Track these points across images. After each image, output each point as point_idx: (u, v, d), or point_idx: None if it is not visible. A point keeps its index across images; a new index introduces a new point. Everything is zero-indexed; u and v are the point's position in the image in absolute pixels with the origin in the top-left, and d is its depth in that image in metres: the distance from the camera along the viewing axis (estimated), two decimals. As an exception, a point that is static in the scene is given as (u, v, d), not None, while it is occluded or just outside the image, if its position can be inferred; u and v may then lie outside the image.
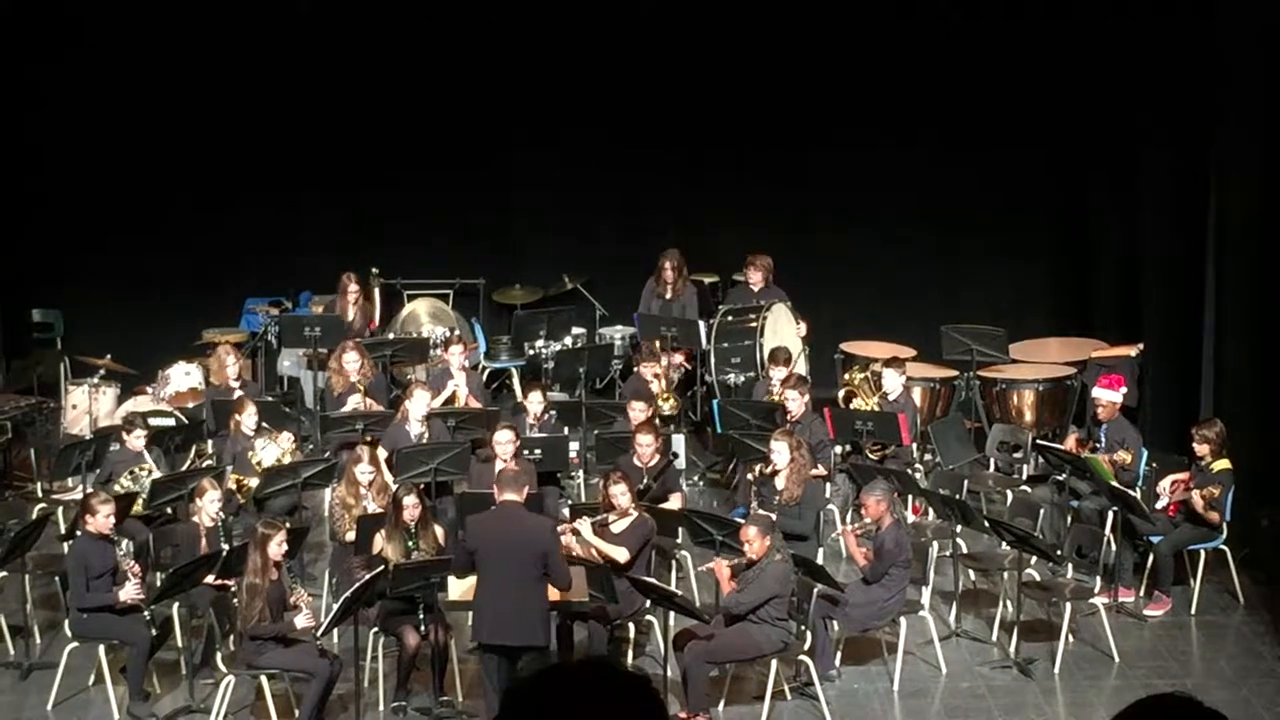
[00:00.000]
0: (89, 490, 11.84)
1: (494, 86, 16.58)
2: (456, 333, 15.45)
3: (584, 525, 11.04)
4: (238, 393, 13.78)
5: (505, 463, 12.07)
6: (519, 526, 10.16)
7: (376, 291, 15.82)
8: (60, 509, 12.98)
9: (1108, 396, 12.86)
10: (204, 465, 13.08)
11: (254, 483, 12.46)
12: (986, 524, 11.91)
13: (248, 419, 12.90)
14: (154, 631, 10.73)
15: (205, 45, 16.28)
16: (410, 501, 11.01)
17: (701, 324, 15.19)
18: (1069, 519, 12.62)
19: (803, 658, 10.77)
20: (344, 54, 16.43)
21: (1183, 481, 12.33)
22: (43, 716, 10.73)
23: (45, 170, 16.42)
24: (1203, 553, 12.26)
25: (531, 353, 15.97)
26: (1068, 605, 11.54)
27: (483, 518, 10.44)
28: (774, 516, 11.33)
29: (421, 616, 10.52)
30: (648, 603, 10.91)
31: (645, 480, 12.11)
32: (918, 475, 13.54)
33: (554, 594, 10.30)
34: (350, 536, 11.47)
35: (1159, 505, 12.29)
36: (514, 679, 9.79)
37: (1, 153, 16.04)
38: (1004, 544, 11.98)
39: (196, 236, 16.67)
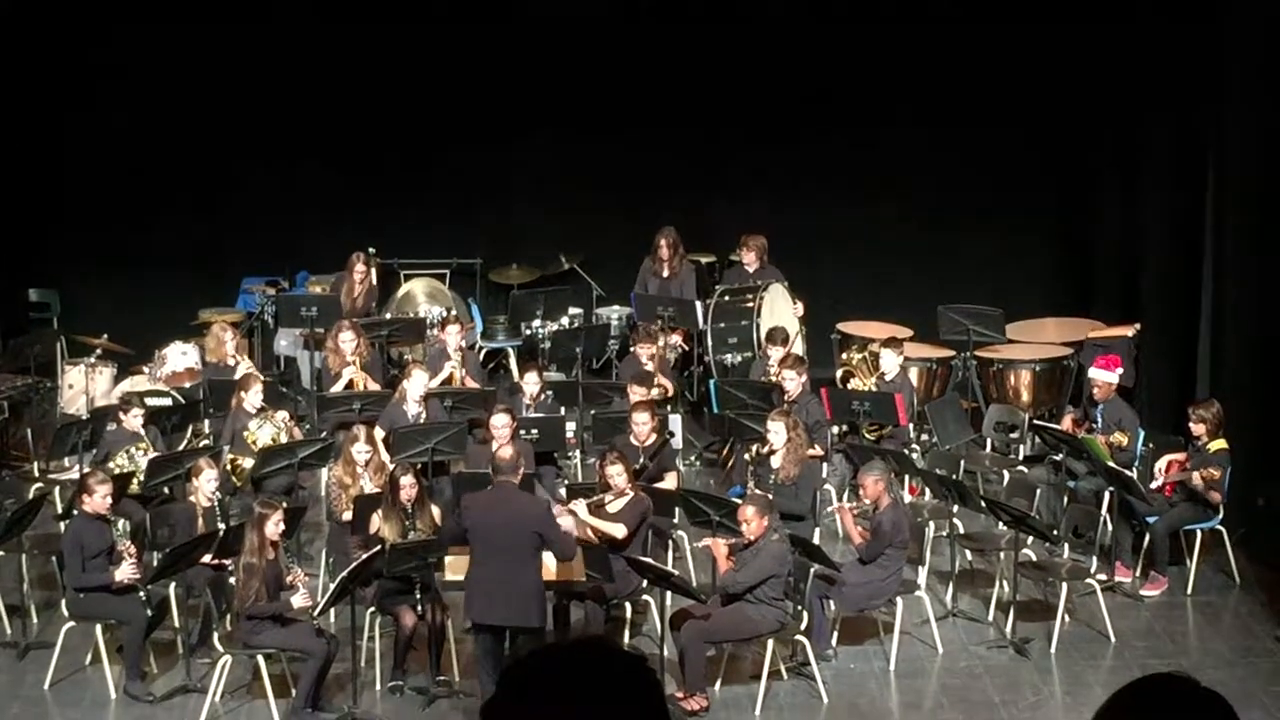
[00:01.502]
0: (86, 470, 11.83)
1: (493, 66, 16.53)
2: (453, 312, 15.43)
3: (579, 506, 11.05)
4: (241, 368, 13.77)
5: (502, 446, 12.08)
6: (513, 505, 10.18)
7: (373, 272, 15.81)
8: (57, 488, 12.97)
9: (1103, 377, 12.86)
10: (200, 445, 13.08)
11: (248, 463, 12.46)
12: (983, 504, 11.93)
13: (253, 396, 12.88)
14: (150, 611, 10.73)
15: (204, 26, 16.22)
16: (407, 481, 11.01)
17: (698, 304, 15.18)
18: (1065, 499, 12.62)
19: (799, 637, 10.78)
20: (343, 34, 16.38)
21: (1178, 462, 12.35)
22: (40, 696, 10.74)
23: (41, 150, 16.37)
24: (1199, 533, 12.28)
25: (528, 333, 15.96)
26: (1064, 585, 11.55)
27: (477, 496, 10.46)
28: (771, 496, 11.33)
29: (418, 596, 10.53)
30: (644, 582, 10.92)
31: (641, 459, 12.11)
32: (914, 455, 13.54)
33: (551, 573, 10.31)
34: (347, 516, 11.47)
35: (1154, 486, 12.30)
36: (510, 658, 9.81)
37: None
38: (1001, 524, 11.98)
39: (193, 216, 16.64)
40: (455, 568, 10.65)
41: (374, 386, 13.80)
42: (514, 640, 10.10)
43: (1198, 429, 12.22)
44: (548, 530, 10.12)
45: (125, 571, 10.65)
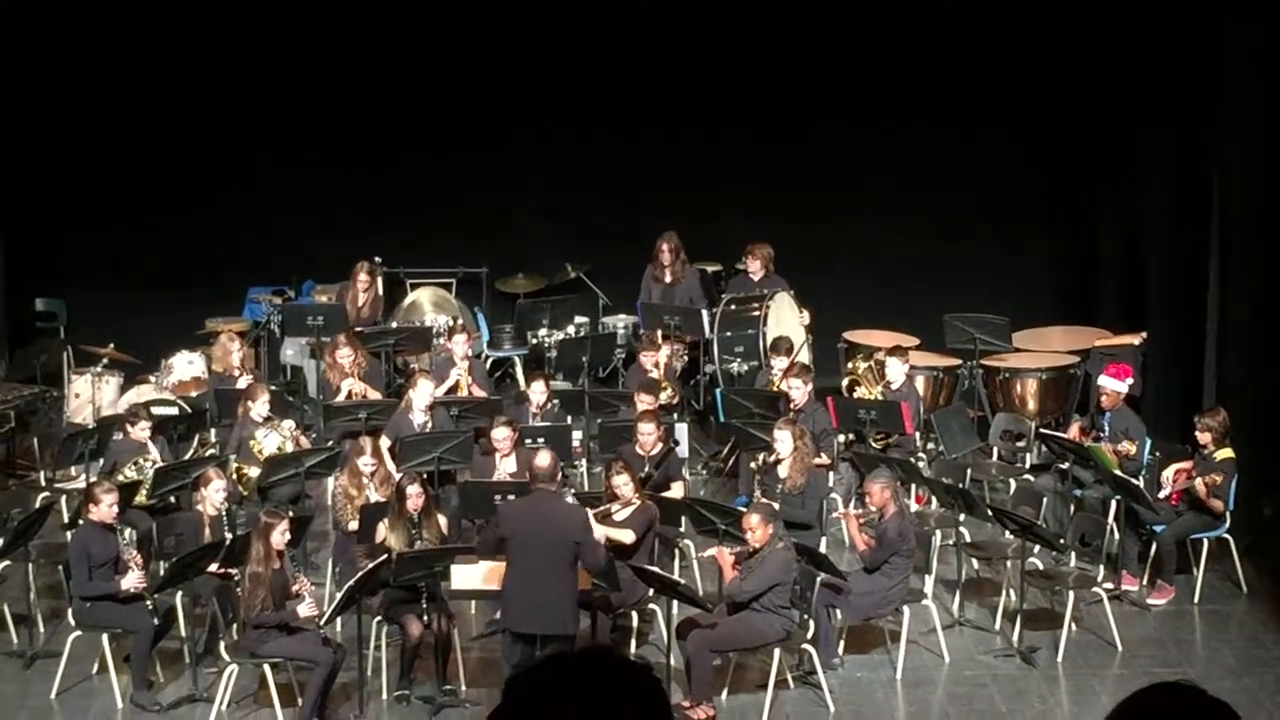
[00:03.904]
0: (92, 479, 11.84)
1: (498, 75, 16.55)
2: (459, 322, 15.44)
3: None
4: (244, 379, 13.78)
5: (505, 457, 12.13)
6: (553, 515, 10.17)
7: (378, 280, 15.82)
8: (63, 498, 12.98)
9: (1113, 386, 12.84)
10: (207, 454, 13.08)
11: (254, 472, 12.46)
12: (990, 513, 11.91)
13: (260, 405, 12.88)
14: (157, 620, 10.74)
15: (209, 37, 16.27)
16: (414, 491, 11.00)
17: (704, 312, 15.18)
18: (1072, 508, 12.62)
19: (806, 646, 10.77)
20: (348, 44, 16.41)
21: (1185, 470, 12.34)
22: (47, 705, 10.75)
23: (49, 160, 16.40)
24: (1206, 541, 12.26)
25: (534, 342, 15.96)
26: (1071, 594, 11.54)
27: (516, 504, 10.48)
28: (777, 505, 11.33)
29: (424, 605, 10.53)
30: (651, 591, 10.91)
31: (647, 468, 12.11)
32: (921, 464, 13.53)
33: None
34: (353, 525, 11.48)
35: (1161, 495, 12.29)
36: (516, 667, 9.79)
37: (5, 142, 16.03)
38: (1007, 533, 11.97)
39: (200, 225, 16.65)
40: (462, 576, 10.66)
41: (374, 396, 13.79)
42: (542, 648, 10.06)
43: (1204, 438, 12.21)
44: (585, 540, 10.13)
45: (132, 580, 10.66)
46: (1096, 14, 15.38)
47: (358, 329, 14.68)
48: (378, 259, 15.93)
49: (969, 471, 13.00)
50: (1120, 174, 16.01)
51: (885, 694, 10.97)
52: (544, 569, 9.99)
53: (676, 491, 12.24)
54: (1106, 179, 16.29)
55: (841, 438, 13.63)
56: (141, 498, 12.07)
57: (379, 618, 10.92)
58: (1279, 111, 13.02)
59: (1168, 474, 12.43)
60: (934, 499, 12.83)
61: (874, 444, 13.44)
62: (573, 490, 12.93)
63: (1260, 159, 13.27)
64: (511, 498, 11.00)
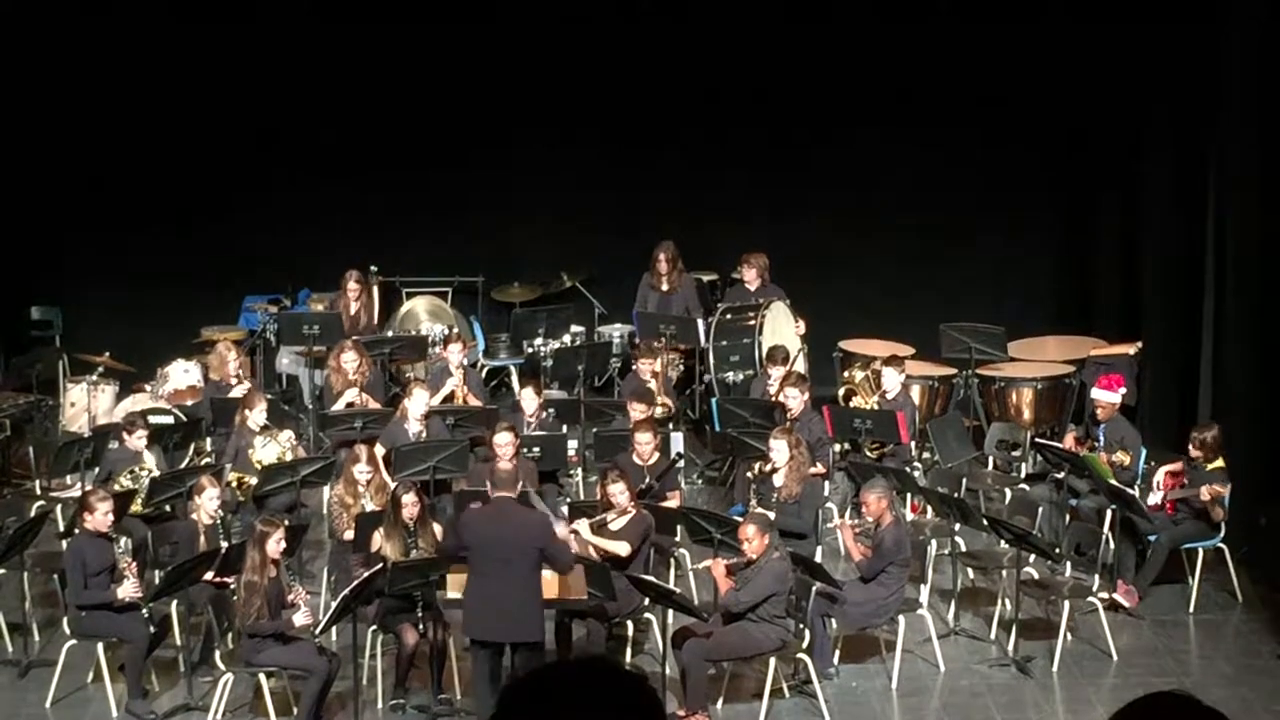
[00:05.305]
0: (88, 488, 11.84)
1: (494, 83, 16.56)
2: (455, 330, 15.44)
3: (582, 525, 11.05)
4: (239, 389, 13.78)
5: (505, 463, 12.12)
6: (513, 520, 10.16)
7: (373, 289, 15.83)
8: (59, 506, 12.97)
9: (1106, 397, 12.86)
10: (203, 463, 13.09)
11: (254, 480, 12.46)
12: (985, 522, 11.91)
13: (256, 414, 12.88)
14: (152, 629, 10.73)
15: (204, 43, 16.26)
16: (409, 500, 11.00)
17: (700, 321, 15.20)
18: (1067, 517, 12.62)
19: (801, 656, 10.77)
20: (343, 52, 16.41)
21: (1175, 476, 12.35)
22: (41, 714, 10.73)
23: (44, 166, 16.39)
24: (1201, 551, 12.27)
25: (530, 351, 15.97)
26: (1066, 603, 11.54)
27: (476, 513, 10.44)
28: (772, 515, 11.33)
29: (420, 614, 10.53)
30: (646, 601, 10.91)
31: (647, 480, 12.11)
32: (916, 473, 13.54)
33: (553, 592, 10.29)
34: (349, 534, 11.47)
35: (1152, 500, 12.29)
36: (512, 677, 9.78)
37: (1, 148, 16.02)
38: (1002, 542, 11.97)
39: (196, 234, 16.65)
40: (457, 585, 10.65)
41: (375, 405, 13.81)
42: (513, 657, 10.08)
43: (1196, 453, 12.23)
44: (548, 544, 10.12)
45: (127, 589, 10.65)
46: (1096, 15, 15.40)
47: (353, 338, 14.68)
48: (374, 268, 15.94)
49: (964, 481, 13.01)
50: (1117, 183, 16.03)
51: (881, 703, 10.96)
52: (506, 577, 9.96)
53: (672, 501, 12.24)
54: (1103, 188, 16.31)
55: (837, 447, 13.63)
56: (137, 506, 12.06)
57: (374, 627, 10.92)
58: (1279, 114, 13.02)
59: (1158, 478, 12.44)
60: (929, 508, 12.83)
61: (869, 453, 13.44)
62: (568, 499, 12.95)
63: (1260, 165, 13.27)
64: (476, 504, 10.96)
